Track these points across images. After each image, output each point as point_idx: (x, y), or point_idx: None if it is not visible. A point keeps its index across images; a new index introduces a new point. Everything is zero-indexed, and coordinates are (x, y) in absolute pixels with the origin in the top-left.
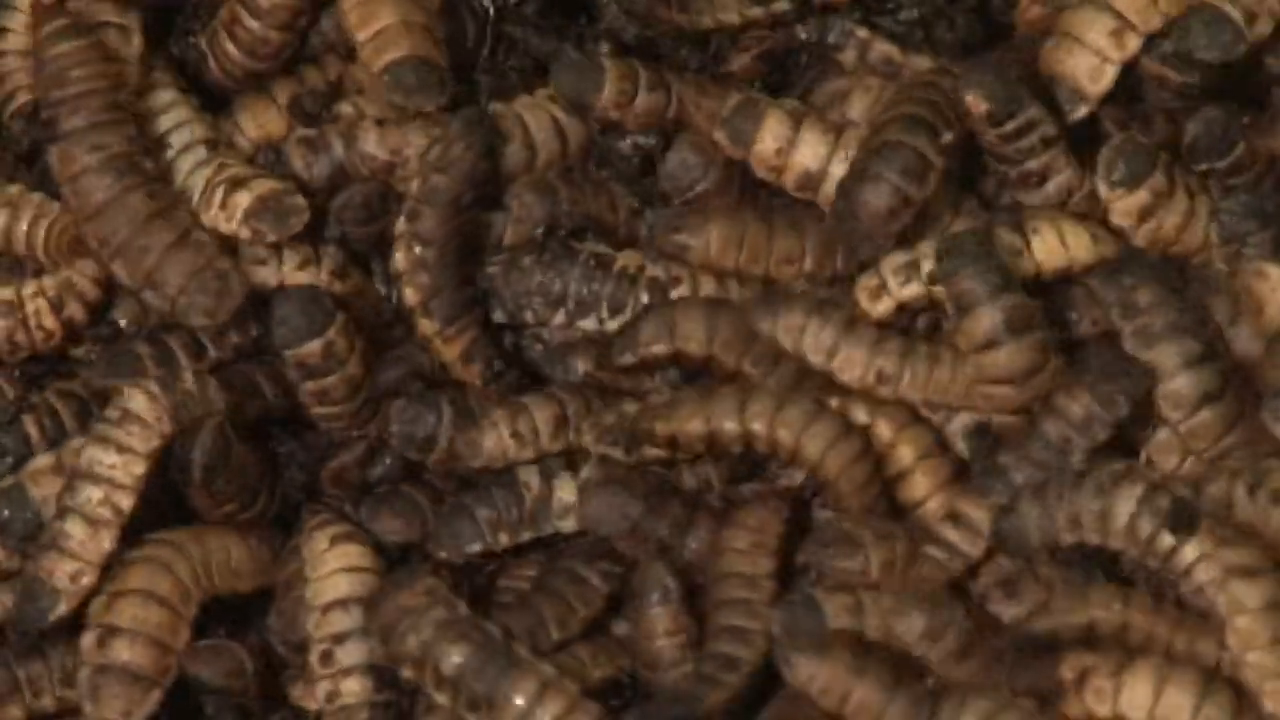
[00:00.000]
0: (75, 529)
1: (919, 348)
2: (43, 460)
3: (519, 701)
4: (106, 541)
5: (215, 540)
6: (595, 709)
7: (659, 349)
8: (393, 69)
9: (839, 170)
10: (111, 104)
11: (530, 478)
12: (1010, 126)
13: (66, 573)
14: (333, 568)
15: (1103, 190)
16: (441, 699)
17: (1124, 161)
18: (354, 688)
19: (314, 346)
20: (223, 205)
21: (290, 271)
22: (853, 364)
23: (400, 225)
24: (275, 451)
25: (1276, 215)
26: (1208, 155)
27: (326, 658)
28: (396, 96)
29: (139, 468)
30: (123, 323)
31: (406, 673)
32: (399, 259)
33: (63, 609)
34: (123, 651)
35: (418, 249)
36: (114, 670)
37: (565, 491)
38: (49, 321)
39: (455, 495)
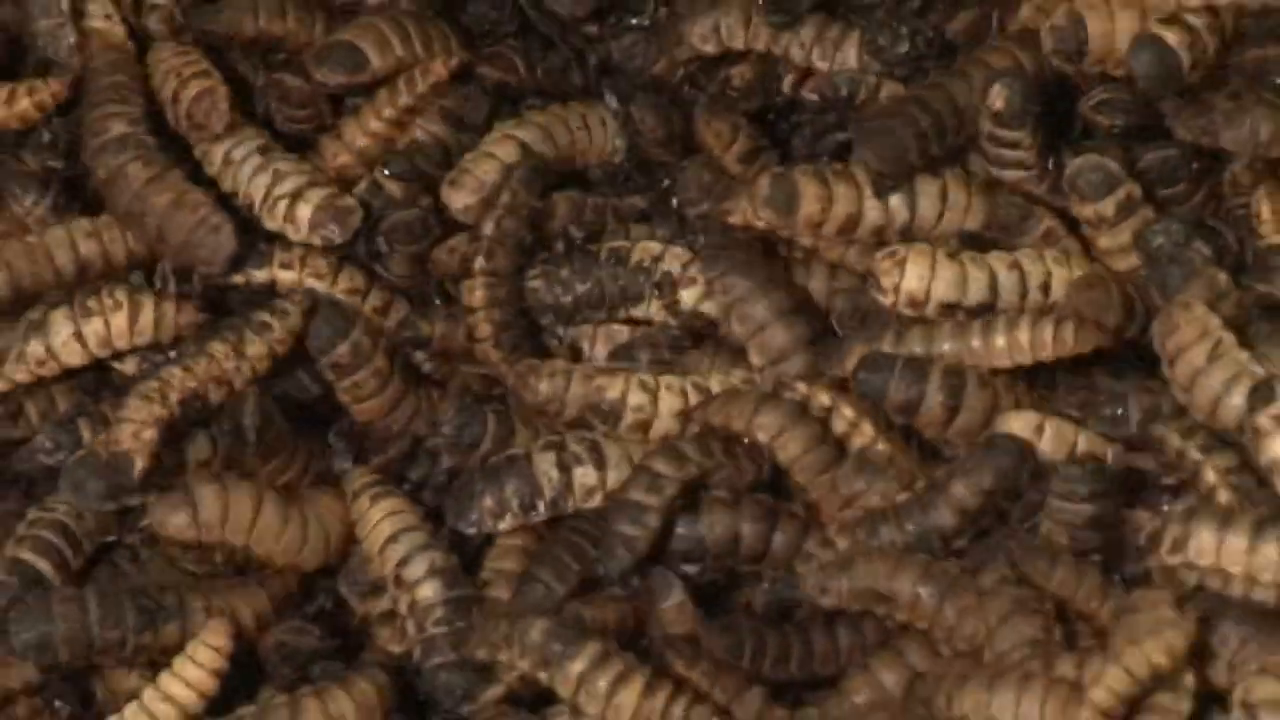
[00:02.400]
0: (131, 401)
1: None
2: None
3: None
4: (158, 408)
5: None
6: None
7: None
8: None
9: (873, 206)
10: (122, 98)
11: (547, 466)
12: (1005, 134)
13: (129, 433)
14: (377, 519)
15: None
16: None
17: (1083, 181)
18: (426, 593)
19: (343, 349)
20: (288, 219)
21: (339, 294)
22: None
23: (479, 263)
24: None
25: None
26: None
27: (398, 580)
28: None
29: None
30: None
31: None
32: (477, 296)
33: (139, 465)
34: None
35: (494, 287)
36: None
37: (587, 478)
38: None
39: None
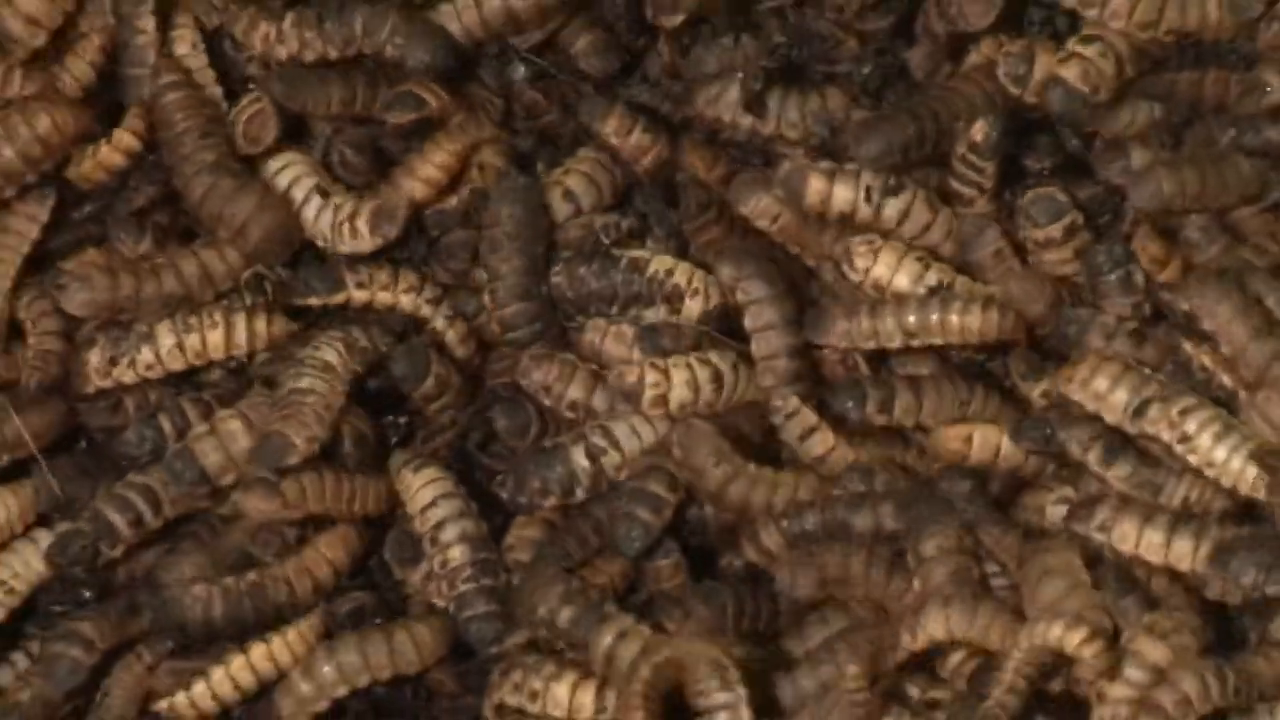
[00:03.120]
0: (307, 413)
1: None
2: (201, 429)
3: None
4: (320, 429)
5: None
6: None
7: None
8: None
9: (864, 207)
10: (206, 132)
11: (580, 458)
12: (976, 161)
13: (305, 437)
14: (418, 486)
15: (1026, 231)
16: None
17: (1037, 209)
18: (456, 554)
19: (429, 385)
20: (354, 236)
21: (400, 295)
22: (890, 334)
23: (480, 276)
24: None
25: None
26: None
27: (434, 541)
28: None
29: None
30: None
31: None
32: (486, 299)
33: (295, 459)
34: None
35: (496, 292)
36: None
37: (611, 460)
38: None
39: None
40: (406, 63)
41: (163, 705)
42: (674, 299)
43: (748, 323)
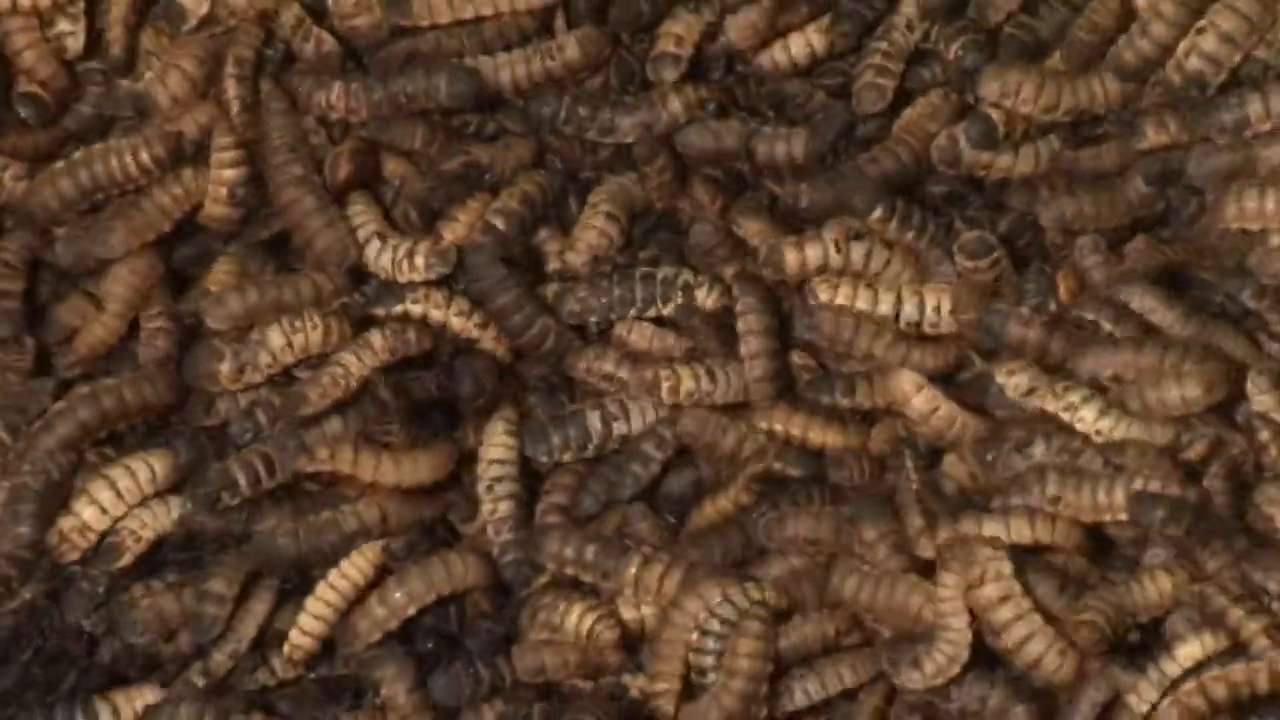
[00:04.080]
0: (324, 379)
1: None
2: None
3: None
4: (339, 390)
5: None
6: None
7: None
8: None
9: (835, 255)
10: (295, 147)
11: (595, 423)
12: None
13: (316, 395)
14: (495, 442)
15: (960, 261)
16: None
17: (971, 248)
18: (504, 506)
19: (484, 400)
20: (411, 269)
21: (451, 316)
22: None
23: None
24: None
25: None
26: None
27: (489, 489)
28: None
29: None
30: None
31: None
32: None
33: (309, 410)
34: None
35: (502, 327)
36: None
37: (620, 428)
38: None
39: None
40: (445, 101)
41: (287, 649)
42: (687, 291)
43: (739, 326)
